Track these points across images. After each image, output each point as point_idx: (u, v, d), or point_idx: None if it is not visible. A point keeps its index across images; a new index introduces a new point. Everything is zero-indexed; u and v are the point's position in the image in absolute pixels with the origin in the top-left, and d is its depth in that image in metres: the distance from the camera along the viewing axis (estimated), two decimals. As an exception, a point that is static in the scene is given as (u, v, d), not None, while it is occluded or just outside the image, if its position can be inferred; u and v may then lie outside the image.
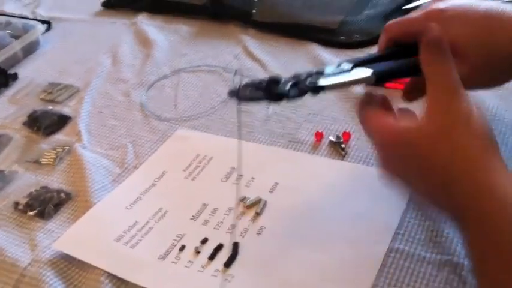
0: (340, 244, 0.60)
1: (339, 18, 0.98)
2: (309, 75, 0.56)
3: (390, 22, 0.64)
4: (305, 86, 0.54)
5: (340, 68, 0.57)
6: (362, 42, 0.94)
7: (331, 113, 0.80)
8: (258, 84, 0.55)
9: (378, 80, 0.57)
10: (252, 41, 1.00)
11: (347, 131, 0.76)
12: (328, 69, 0.57)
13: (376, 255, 0.59)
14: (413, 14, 0.62)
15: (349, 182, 0.69)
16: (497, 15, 0.58)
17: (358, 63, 0.58)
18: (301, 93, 0.54)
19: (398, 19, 0.64)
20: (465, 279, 0.56)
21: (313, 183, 0.69)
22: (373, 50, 0.90)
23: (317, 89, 0.55)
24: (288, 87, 0.54)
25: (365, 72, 0.56)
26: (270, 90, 0.54)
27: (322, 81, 0.55)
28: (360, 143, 0.74)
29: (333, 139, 0.75)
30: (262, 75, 0.91)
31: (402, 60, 0.60)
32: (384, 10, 0.99)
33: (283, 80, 0.55)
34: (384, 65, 0.59)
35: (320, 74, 0.57)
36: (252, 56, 0.96)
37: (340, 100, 0.82)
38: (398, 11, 0.98)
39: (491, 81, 0.63)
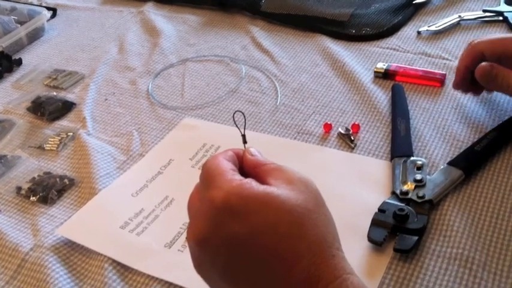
0: (350, 237, 0.59)
1: (349, 11, 0.97)
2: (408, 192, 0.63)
3: (479, 40, 0.72)
4: (424, 209, 0.61)
5: (420, 172, 0.65)
6: (371, 35, 0.93)
7: (340, 105, 0.79)
8: (387, 223, 0.59)
9: (468, 174, 0.64)
10: (260, 32, 0.99)
11: (356, 123, 0.75)
12: (416, 176, 0.64)
13: (385, 249, 0.58)
14: (503, 35, 0.71)
15: (358, 174, 0.68)
16: None
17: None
18: (428, 218, 0.60)
19: (488, 37, 0.72)
20: (476, 273, 0.55)
21: (322, 175, 0.68)
22: (382, 44, 0.90)
23: (432, 204, 0.62)
24: (416, 219, 0.59)
25: (455, 172, 0.64)
26: (408, 229, 0.59)
27: (430, 195, 0.62)
28: (369, 135, 0.73)
29: (342, 131, 0.74)
30: (270, 66, 0.90)
31: (474, 146, 0.68)
32: (394, 4, 0.98)
33: (407, 212, 0.59)
34: (467, 159, 0.66)
35: (419, 183, 0.63)
36: (261, 47, 0.95)
37: (349, 92, 0.82)
38: (409, 5, 0.97)
39: None
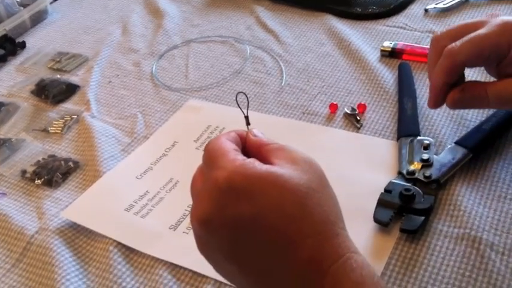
0: (356, 218, 0.59)
1: (355, -11, 0.95)
2: (415, 172, 0.62)
3: (456, 45, 0.57)
4: (430, 189, 0.60)
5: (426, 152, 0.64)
6: (378, 13, 0.91)
7: (346, 85, 0.78)
8: (394, 204, 0.59)
9: (475, 154, 0.63)
10: (265, 12, 0.98)
11: (362, 102, 0.74)
12: (422, 155, 0.63)
13: (391, 229, 0.58)
14: (483, 31, 0.57)
15: (364, 154, 0.67)
16: None
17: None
18: (435, 198, 0.60)
19: (467, 39, 0.57)
20: (483, 253, 0.54)
21: (327, 155, 0.67)
22: (389, 22, 0.89)
23: (439, 184, 0.61)
24: (422, 199, 0.59)
25: (463, 151, 0.63)
26: (415, 209, 0.58)
27: (436, 174, 0.61)
28: (376, 115, 0.72)
29: (348, 111, 0.73)
30: (275, 46, 0.89)
31: (482, 125, 0.66)
32: (401, -18, 0.96)
33: (414, 192, 0.59)
34: (474, 138, 0.65)
35: (426, 163, 0.62)
36: (265, 27, 0.94)
37: (355, 71, 0.81)
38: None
39: None
